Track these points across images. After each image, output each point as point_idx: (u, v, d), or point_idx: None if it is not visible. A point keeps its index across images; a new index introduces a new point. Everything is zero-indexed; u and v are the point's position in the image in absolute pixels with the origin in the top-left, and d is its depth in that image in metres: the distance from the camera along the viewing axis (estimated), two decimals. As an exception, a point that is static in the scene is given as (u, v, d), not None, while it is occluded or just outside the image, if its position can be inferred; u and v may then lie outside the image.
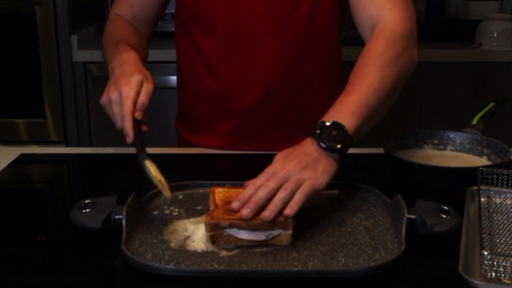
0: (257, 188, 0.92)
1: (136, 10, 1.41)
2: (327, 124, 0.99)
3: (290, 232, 0.89)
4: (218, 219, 0.88)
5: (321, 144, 0.97)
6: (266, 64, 1.31)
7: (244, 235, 0.89)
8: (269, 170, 0.95)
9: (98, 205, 0.95)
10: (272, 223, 0.88)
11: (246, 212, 0.89)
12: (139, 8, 1.41)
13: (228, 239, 0.89)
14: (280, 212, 0.89)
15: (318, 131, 0.98)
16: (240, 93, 1.34)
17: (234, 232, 0.88)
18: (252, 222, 0.88)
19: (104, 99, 1.12)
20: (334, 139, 0.98)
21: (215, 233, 0.88)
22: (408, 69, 1.16)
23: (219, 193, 0.97)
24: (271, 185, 0.92)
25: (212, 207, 0.94)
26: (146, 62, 1.31)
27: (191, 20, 1.35)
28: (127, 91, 1.09)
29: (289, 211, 0.89)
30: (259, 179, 0.94)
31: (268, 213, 0.88)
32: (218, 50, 1.33)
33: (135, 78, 1.11)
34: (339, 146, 0.98)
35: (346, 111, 1.02)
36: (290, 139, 1.21)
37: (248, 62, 1.31)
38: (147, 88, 1.11)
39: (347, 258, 0.87)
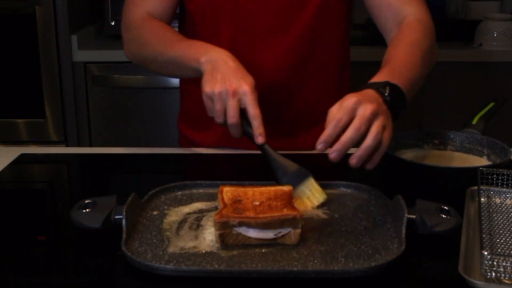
0: (341, 126, 0.89)
1: (152, 10, 1.35)
2: (383, 82, 1.00)
3: (299, 230, 0.89)
4: (227, 218, 0.88)
5: (387, 97, 0.98)
6: (271, 63, 1.31)
7: (253, 233, 0.89)
8: (348, 105, 0.91)
9: (98, 205, 0.95)
10: (281, 221, 0.88)
11: (334, 156, 0.88)
12: (156, 6, 1.35)
13: (237, 237, 0.89)
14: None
15: (380, 88, 0.99)
16: None
17: (243, 230, 0.88)
18: (261, 220, 0.88)
19: (217, 88, 1.05)
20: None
21: (224, 232, 0.88)
22: (434, 60, 1.21)
23: (227, 192, 0.96)
24: (363, 127, 0.89)
25: (220, 206, 0.94)
26: None
27: (194, 19, 1.35)
28: (253, 92, 1.05)
29: (372, 166, 0.90)
30: (343, 116, 0.90)
31: (355, 161, 0.88)
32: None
33: (253, 81, 1.07)
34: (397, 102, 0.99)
35: (397, 79, 1.03)
36: (294, 136, 1.22)
37: (253, 60, 1.31)
38: (256, 96, 1.07)
39: (347, 258, 0.87)
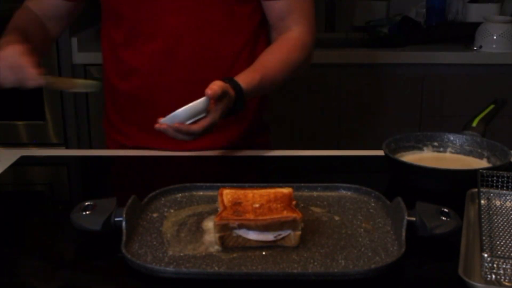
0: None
1: (45, 10, 1.44)
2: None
3: (299, 232, 0.89)
4: (227, 220, 0.88)
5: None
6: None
7: (253, 235, 0.89)
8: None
9: (98, 207, 0.95)
10: (281, 224, 0.88)
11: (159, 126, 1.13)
12: (48, 7, 1.44)
13: (237, 239, 0.89)
14: None
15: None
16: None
17: (243, 232, 0.89)
18: (261, 222, 0.88)
19: None
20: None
21: (224, 234, 0.88)
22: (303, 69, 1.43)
23: (227, 194, 0.96)
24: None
25: (220, 208, 0.94)
26: (45, 50, 1.47)
27: (107, 19, 1.41)
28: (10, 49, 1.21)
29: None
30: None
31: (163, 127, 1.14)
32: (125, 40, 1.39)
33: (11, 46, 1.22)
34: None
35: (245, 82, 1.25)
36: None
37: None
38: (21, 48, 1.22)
39: (347, 260, 0.87)
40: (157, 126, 1.14)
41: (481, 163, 1.23)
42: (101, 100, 1.52)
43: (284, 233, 0.89)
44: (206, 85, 1.16)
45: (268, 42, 1.45)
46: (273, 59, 1.35)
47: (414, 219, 0.92)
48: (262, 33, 1.44)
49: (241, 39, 1.39)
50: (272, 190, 0.97)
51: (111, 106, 1.49)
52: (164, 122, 1.14)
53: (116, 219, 0.93)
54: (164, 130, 1.14)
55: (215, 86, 1.14)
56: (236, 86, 1.22)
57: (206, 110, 1.15)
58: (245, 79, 1.25)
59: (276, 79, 1.34)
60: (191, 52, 1.35)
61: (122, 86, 1.42)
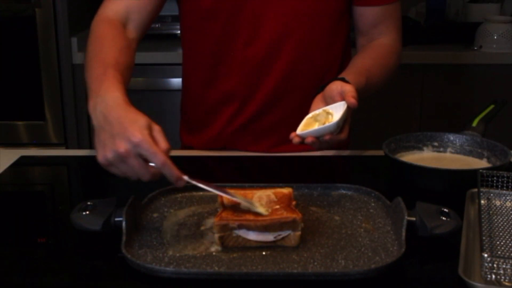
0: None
1: (131, 12, 1.30)
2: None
3: (298, 233, 0.89)
4: (227, 220, 0.88)
5: None
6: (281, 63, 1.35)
7: (252, 236, 0.89)
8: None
9: (98, 207, 0.95)
10: (281, 224, 0.88)
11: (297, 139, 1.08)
12: (135, 9, 1.30)
13: (237, 240, 0.89)
14: None
15: None
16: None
17: (243, 233, 0.89)
18: (261, 223, 0.88)
19: (109, 155, 0.91)
20: None
21: (224, 234, 0.89)
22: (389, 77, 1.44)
23: None
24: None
25: (220, 208, 0.94)
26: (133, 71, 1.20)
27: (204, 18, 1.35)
28: (146, 139, 0.89)
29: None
30: None
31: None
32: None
33: (143, 122, 0.93)
34: None
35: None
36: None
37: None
38: (159, 129, 0.94)
39: (347, 260, 0.87)
40: (303, 140, 1.08)
41: (481, 163, 1.23)
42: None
43: (284, 234, 0.89)
44: (297, 93, 1.21)
45: (351, 53, 1.46)
46: (375, 64, 1.35)
47: (414, 219, 0.92)
48: (348, 45, 1.45)
49: (335, 50, 1.40)
50: (272, 191, 0.97)
51: (192, 112, 1.47)
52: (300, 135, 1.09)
53: (116, 219, 0.93)
54: (311, 143, 1.08)
55: (355, 94, 1.12)
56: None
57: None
58: (354, 80, 1.21)
59: (376, 84, 1.35)
60: (289, 60, 1.35)
61: (209, 92, 1.41)
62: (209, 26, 1.34)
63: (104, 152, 0.91)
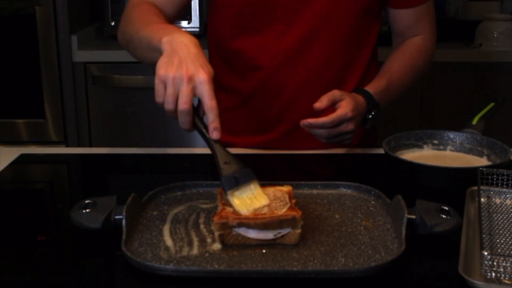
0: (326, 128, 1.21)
1: (158, 3, 1.31)
2: (375, 103, 1.31)
3: (298, 231, 0.89)
4: (226, 218, 0.88)
5: (368, 116, 1.30)
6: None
7: (252, 234, 0.89)
8: (340, 117, 1.20)
9: (98, 205, 0.95)
10: (281, 222, 0.88)
11: (304, 123, 1.19)
12: (162, 1, 1.32)
13: (236, 238, 0.89)
14: None
15: (370, 106, 1.30)
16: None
17: (243, 231, 0.89)
18: (260, 221, 0.88)
19: (171, 73, 0.96)
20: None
21: (223, 232, 0.89)
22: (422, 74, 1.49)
23: None
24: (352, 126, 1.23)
25: (220, 207, 0.94)
26: None
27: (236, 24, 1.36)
28: (211, 82, 0.96)
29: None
30: (331, 125, 1.20)
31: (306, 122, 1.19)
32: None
33: (212, 71, 0.98)
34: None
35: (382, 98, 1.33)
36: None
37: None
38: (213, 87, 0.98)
39: (347, 258, 0.87)
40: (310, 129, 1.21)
41: (481, 161, 1.23)
42: (101, 98, 1.51)
43: (283, 232, 0.89)
44: (318, 93, 1.23)
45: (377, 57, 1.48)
46: (399, 65, 1.39)
47: (414, 217, 0.92)
48: (376, 48, 1.45)
49: (368, 51, 1.40)
50: (271, 189, 0.97)
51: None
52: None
53: (116, 217, 0.93)
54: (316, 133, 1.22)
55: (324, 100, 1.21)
56: (364, 92, 1.29)
57: None
58: (372, 85, 1.32)
59: (403, 84, 1.39)
60: (317, 57, 1.35)
61: (239, 84, 1.40)
62: (242, 21, 1.34)
63: (168, 69, 0.97)
